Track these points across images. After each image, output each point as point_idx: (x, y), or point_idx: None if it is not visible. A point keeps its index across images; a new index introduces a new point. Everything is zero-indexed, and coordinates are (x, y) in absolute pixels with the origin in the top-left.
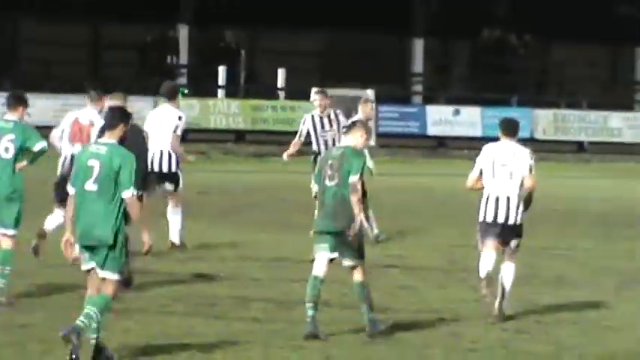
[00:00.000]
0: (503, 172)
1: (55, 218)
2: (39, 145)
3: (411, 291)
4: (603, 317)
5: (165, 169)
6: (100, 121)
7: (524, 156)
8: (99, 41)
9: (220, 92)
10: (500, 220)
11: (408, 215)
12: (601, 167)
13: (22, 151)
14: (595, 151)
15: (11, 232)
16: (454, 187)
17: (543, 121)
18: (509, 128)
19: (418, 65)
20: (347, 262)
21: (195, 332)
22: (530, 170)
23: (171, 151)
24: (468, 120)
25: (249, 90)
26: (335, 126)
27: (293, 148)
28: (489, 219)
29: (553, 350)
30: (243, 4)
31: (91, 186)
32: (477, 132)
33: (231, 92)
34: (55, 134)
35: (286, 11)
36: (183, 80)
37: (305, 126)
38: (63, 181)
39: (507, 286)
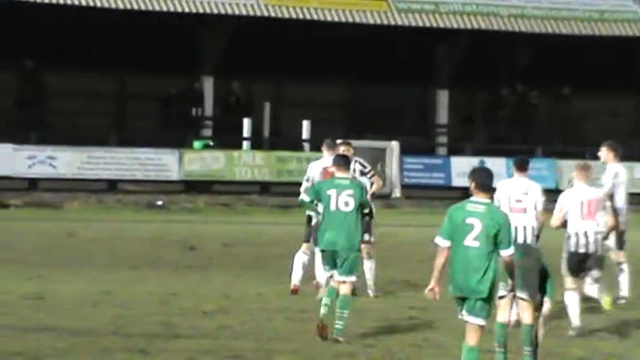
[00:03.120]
0: (518, 207)
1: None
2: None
3: (435, 342)
4: None
5: None
6: None
7: (536, 191)
8: (124, 92)
9: (245, 144)
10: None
11: None
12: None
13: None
14: None
15: (351, 278)
16: None
17: (568, 172)
18: (521, 164)
19: (442, 116)
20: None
21: None
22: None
23: None
24: (493, 171)
25: (274, 142)
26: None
27: None
28: None
29: None
30: (267, 55)
31: (471, 242)
32: None
33: (256, 144)
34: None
35: (310, 62)
36: (208, 132)
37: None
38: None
39: None
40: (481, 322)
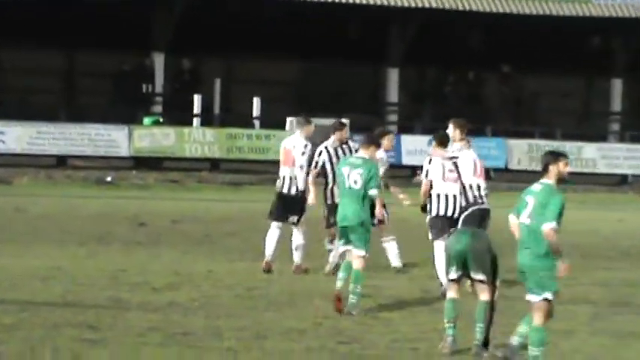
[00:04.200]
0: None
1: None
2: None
3: (384, 320)
4: (577, 349)
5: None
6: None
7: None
8: (74, 68)
9: (195, 120)
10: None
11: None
12: (575, 198)
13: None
14: (569, 182)
15: (363, 253)
16: None
17: (518, 152)
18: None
19: (393, 95)
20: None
21: None
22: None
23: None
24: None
25: (224, 118)
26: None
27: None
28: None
29: None
30: (218, 32)
31: (525, 219)
32: None
33: (207, 121)
34: None
35: (261, 40)
36: (158, 108)
37: (321, 158)
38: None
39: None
40: (548, 295)
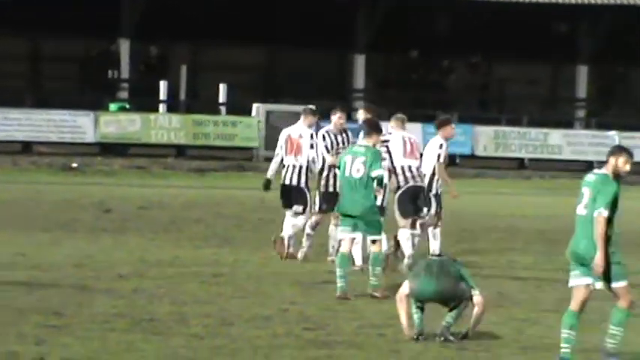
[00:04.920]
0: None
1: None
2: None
3: (350, 307)
4: (544, 334)
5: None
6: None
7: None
8: (39, 54)
9: (162, 107)
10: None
11: None
12: (541, 184)
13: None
14: (535, 168)
15: (377, 237)
16: None
17: (484, 138)
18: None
19: (359, 81)
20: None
21: (135, 348)
22: None
23: None
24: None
25: (190, 105)
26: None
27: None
28: None
29: None
30: (184, 18)
31: (581, 210)
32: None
33: (173, 107)
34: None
35: (228, 26)
36: (124, 94)
37: (325, 142)
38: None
39: None
40: (623, 284)
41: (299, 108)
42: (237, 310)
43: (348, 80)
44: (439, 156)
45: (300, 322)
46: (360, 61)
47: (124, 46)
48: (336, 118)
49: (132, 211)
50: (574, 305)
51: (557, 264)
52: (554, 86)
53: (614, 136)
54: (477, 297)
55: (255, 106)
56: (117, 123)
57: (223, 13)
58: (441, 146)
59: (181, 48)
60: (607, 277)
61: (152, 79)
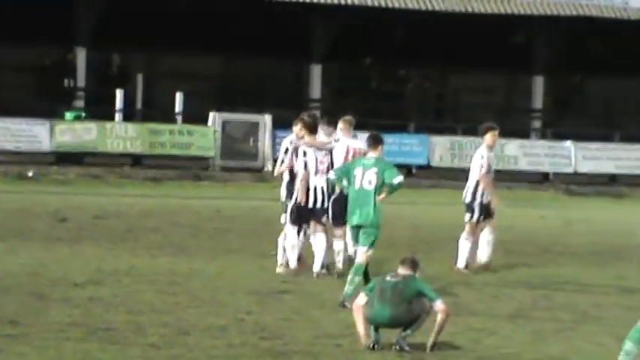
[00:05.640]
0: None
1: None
2: (398, 179)
3: (307, 317)
4: (501, 344)
5: None
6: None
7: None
8: None
9: (118, 115)
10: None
11: None
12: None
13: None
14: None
15: (362, 248)
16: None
17: (440, 148)
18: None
19: (316, 90)
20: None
21: (91, 358)
22: None
23: None
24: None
25: (146, 113)
26: None
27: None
28: None
29: None
30: (140, 27)
31: None
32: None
33: (129, 116)
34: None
35: (184, 34)
36: (80, 103)
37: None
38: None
39: None
40: None
41: (255, 117)
42: (193, 319)
43: (305, 89)
44: (481, 166)
45: (256, 331)
46: (316, 71)
47: (81, 55)
48: (297, 129)
49: (88, 220)
50: None
51: (515, 274)
52: (509, 96)
53: (570, 147)
54: (440, 305)
55: (211, 114)
56: (73, 132)
57: (179, 22)
58: (482, 157)
59: (137, 57)
60: None
61: (108, 87)
